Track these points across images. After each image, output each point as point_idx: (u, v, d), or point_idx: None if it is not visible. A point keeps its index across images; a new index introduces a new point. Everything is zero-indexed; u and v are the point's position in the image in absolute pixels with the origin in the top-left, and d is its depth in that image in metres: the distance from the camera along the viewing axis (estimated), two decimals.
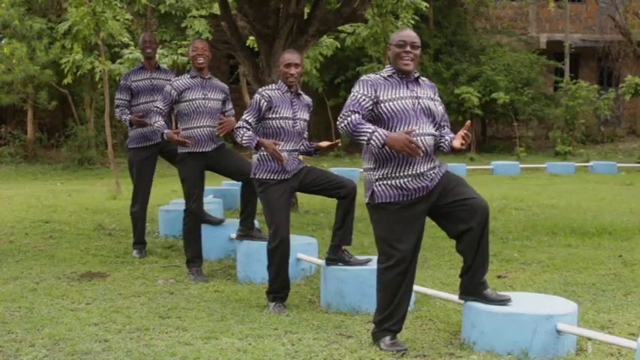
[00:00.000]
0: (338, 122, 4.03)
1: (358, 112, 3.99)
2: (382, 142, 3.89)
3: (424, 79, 4.23)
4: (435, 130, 4.14)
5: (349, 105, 4.03)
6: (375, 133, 3.89)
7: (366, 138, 3.91)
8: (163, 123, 5.88)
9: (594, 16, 24.91)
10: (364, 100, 4.02)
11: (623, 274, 6.02)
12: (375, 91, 4.04)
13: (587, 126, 22.54)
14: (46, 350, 4.04)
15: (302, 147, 5.25)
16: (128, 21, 15.35)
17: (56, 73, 16.58)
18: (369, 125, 3.94)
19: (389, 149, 3.97)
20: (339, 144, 5.43)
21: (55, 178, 16.30)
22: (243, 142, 4.96)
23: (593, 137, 23.08)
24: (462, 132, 4.09)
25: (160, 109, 5.92)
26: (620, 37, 23.04)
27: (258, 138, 4.97)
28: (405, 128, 3.99)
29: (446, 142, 4.18)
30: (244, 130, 4.99)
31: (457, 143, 4.08)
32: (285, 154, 4.99)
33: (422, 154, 3.99)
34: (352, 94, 4.07)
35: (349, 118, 3.97)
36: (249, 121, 5.00)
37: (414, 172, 4.03)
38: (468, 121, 4.22)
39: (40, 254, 6.88)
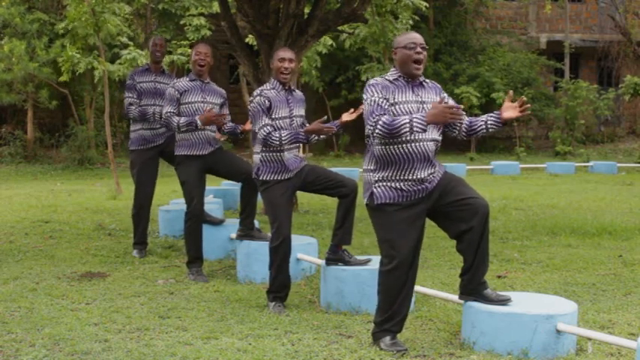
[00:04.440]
0: (369, 131, 3.93)
1: (384, 114, 3.94)
2: (425, 123, 3.84)
3: (428, 81, 4.20)
4: (439, 136, 4.13)
5: (372, 111, 3.95)
6: (414, 120, 3.84)
7: (408, 128, 3.84)
8: (185, 118, 5.86)
9: (594, 16, 24.91)
10: (382, 101, 3.98)
11: (623, 274, 6.02)
12: (386, 93, 4.01)
13: (587, 126, 22.55)
14: (46, 350, 4.04)
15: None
16: (129, 15, 15.32)
17: (56, 72, 16.56)
18: (403, 117, 3.89)
19: (390, 150, 3.95)
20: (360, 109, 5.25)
21: (55, 178, 16.30)
22: (288, 142, 4.89)
23: (593, 137, 23.09)
24: (510, 103, 3.96)
25: (172, 112, 5.91)
26: (620, 37, 23.04)
27: (300, 130, 4.97)
28: (410, 134, 3.97)
29: (488, 122, 4.06)
30: (275, 132, 4.92)
31: (512, 113, 3.97)
32: (285, 154, 4.99)
33: (464, 115, 3.93)
34: (368, 100, 4.00)
35: (380, 121, 3.89)
36: (268, 122, 4.95)
37: (414, 177, 4.02)
38: (511, 91, 4.10)
39: (40, 254, 6.88)
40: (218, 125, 6.04)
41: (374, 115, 3.93)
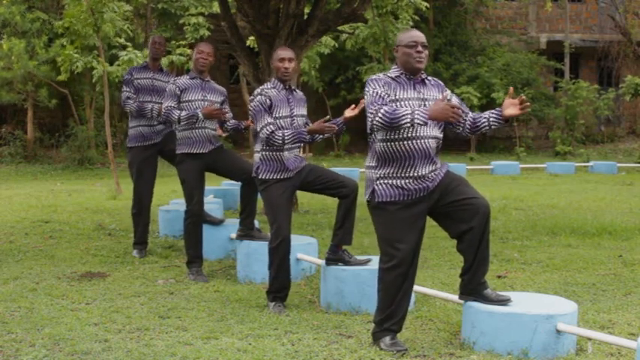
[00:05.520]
0: (369, 120, 3.90)
1: (385, 104, 3.94)
2: (425, 117, 3.83)
3: (430, 78, 4.20)
4: (440, 133, 4.13)
5: (373, 102, 3.94)
6: (416, 112, 3.83)
7: (408, 120, 3.83)
8: (186, 111, 5.87)
9: (594, 16, 24.90)
10: (384, 94, 3.97)
11: (623, 274, 6.02)
12: (388, 88, 4.01)
13: (587, 126, 22.55)
14: (46, 350, 4.04)
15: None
16: (129, 12, 15.31)
17: (55, 71, 16.56)
18: (405, 108, 3.88)
19: (392, 146, 3.94)
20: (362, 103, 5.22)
21: (55, 178, 16.30)
22: (290, 140, 4.88)
23: (593, 137, 23.09)
24: (512, 100, 3.96)
25: (173, 106, 5.93)
26: (620, 37, 23.04)
27: (302, 129, 4.95)
28: (411, 130, 3.97)
29: (490, 119, 4.05)
30: (278, 130, 4.91)
31: (513, 111, 3.96)
32: (285, 153, 4.99)
33: (464, 117, 3.92)
34: (370, 93, 4.00)
35: (381, 111, 3.88)
36: (270, 121, 4.94)
37: (415, 174, 4.02)
38: (511, 88, 4.09)
39: (40, 254, 6.88)
40: (220, 122, 6.06)
41: (375, 105, 3.93)
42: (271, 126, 4.93)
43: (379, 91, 3.97)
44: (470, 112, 4.17)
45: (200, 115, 5.84)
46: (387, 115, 3.85)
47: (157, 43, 7.00)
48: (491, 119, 4.08)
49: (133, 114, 6.86)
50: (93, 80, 15.04)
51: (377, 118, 3.87)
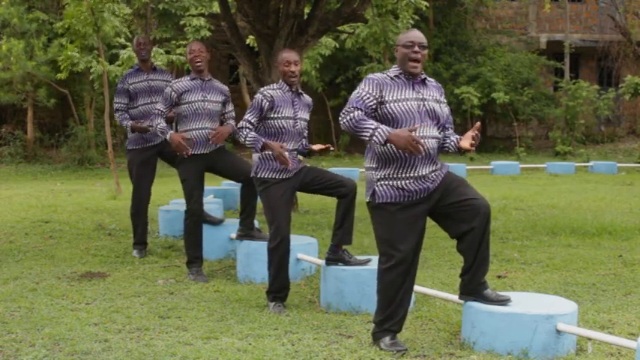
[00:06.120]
0: (340, 118, 3.98)
1: (361, 109, 3.95)
2: (385, 138, 3.85)
3: (430, 79, 4.21)
4: (439, 133, 4.13)
5: (352, 101, 3.99)
6: (378, 130, 3.86)
7: (368, 134, 3.87)
8: (165, 125, 5.87)
9: (594, 16, 24.91)
10: (368, 98, 3.99)
11: (623, 274, 6.02)
12: (381, 91, 4.02)
13: (587, 126, 22.55)
14: (46, 350, 4.04)
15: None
16: (128, 16, 15.33)
17: (54, 71, 16.56)
18: (372, 121, 3.90)
19: (391, 147, 3.97)
20: (331, 149, 5.39)
21: (55, 178, 16.30)
22: (247, 142, 4.95)
23: (593, 137, 23.09)
24: (471, 132, 4.07)
25: (162, 111, 5.92)
26: (620, 37, 23.04)
27: (263, 139, 4.97)
28: (411, 131, 3.97)
29: (452, 143, 4.17)
30: (247, 130, 4.98)
31: (466, 144, 4.06)
32: (286, 154, 4.99)
33: (423, 154, 3.97)
34: (357, 91, 4.04)
35: (352, 114, 3.93)
36: (252, 121, 5.00)
37: (415, 174, 4.02)
38: (478, 123, 4.19)
39: (40, 254, 6.88)
40: (220, 122, 6.06)
41: (350, 107, 3.98)
42: (248, 123, 4.98)
43: (364, 95, 4.00)
44: (449, 130, 4.22)
45: (167, 137, 5.83)
46: (353, 121, 3.91)
47: (141, 44, 6.97)
48: (451, 144, 4.18)
49: (127, 126, 6.85)
50: (90, 78, 15.04)
51: (345, 120, 3.95)
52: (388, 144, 3.89)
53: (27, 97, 18.46)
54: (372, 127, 3.87)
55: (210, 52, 6.25)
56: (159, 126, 5.87)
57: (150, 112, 6.02)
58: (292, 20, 8.82)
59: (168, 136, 5.83)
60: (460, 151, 4.14)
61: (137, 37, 7.10)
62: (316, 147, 5.27)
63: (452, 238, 4.17)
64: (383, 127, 3.88)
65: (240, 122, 5.04)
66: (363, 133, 3.89)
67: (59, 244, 7.47)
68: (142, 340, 4.23)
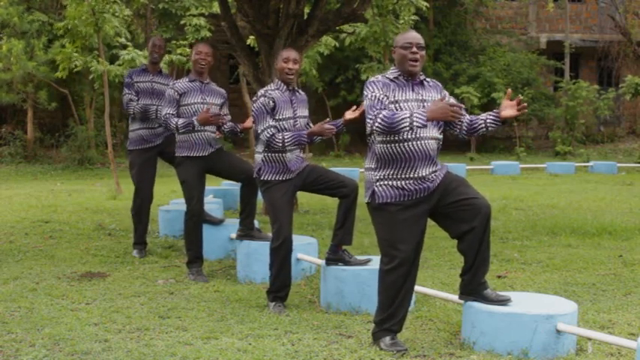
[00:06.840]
0: (369, 125, 3.91)
1: (384, 108, 3.94)
2: (425, 118, 3.82)
3: (429, 80, 4.21)
4: (439, 134, 4.12)
5: (372, 106, 3.95)
6: (414, 115, 3.83)
7: (407, 123, 3.83)
8: (183, 119, 5.84)
9: (594, 16, 24.91)
10: (383, 97, 3.97)
11: (623, 274, 6.02)
12: (387, 91, 4.02)
13: (587, 126, 22.55)
14: (46, 350, 4.04)
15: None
16: (128, 17, 15.34)
17: (54, 71, 16.57)
18: (403, 112, 3.88)
19: (392, 147, 3.94)
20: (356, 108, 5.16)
21: (55, 178, 16.30)
22: (289, 144, 4.88)
23: (593, 137, 23.09)
24: (509, 101, 3.97)
25: (171, 114, 5.91)
26: (620, 37, 23.04)
27: (302, 132, 4.95)
28: (411, 131, 3.97)
29: (487, 120, 4.07)
30: (277, 135, 4.91)
31: (511, 112, 3.98)
32: (287, 155, 4.99)
33: (461, 117, 3.92)
34: (368, 96, 4.00)
35: (380, 116, 3.88)
36: (271, 124, 4.94)
37: (415, 175, 4.02)
38: (509, 89, 4.11)
39: (40, 254, 6.88)
40: (217, 125, 6.03)
41: (374, 109, 3.92)
42: (272, 129, 4.92)
43: (377, 95, 3.97)
44: (467, 115, 4.17)
45: (195, 123, 5.81)
46: (386, 119, 3.85)
47: (156, 47, 6.96)
48: (488, 120, 4.09)
49: (137, 116, 6.85)
50: (90, 77, 15.03)
51: (376, 124, 3.88)
52: (419, 124, 3.80)
53: (27, 97, 18.46)
54: (407, 115, 3.84)
55: (215, 58, 6.24)
56: (179, 123, 5.83)
57: (165, 121, 5.98)
58: (292, 20, 8.82)
59: (196, 123, 5.80)
60: (504, 123, 4.03)
61: (153, 39, 7.11)
62: (349, 115, 5.08)
63: (452, 238, 4.17)
64: (417, 110, 3.86)
65: (263, 134, 4.93)
66: (402, 125, 3.84)
67: (59, 244, 7.47)
68: (142, 340, 4.23)
